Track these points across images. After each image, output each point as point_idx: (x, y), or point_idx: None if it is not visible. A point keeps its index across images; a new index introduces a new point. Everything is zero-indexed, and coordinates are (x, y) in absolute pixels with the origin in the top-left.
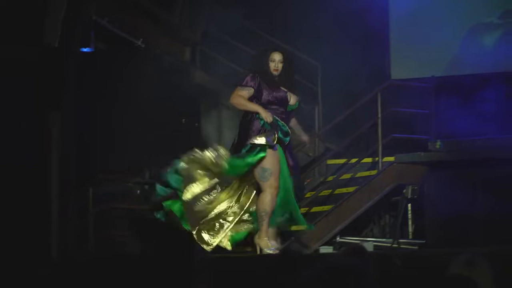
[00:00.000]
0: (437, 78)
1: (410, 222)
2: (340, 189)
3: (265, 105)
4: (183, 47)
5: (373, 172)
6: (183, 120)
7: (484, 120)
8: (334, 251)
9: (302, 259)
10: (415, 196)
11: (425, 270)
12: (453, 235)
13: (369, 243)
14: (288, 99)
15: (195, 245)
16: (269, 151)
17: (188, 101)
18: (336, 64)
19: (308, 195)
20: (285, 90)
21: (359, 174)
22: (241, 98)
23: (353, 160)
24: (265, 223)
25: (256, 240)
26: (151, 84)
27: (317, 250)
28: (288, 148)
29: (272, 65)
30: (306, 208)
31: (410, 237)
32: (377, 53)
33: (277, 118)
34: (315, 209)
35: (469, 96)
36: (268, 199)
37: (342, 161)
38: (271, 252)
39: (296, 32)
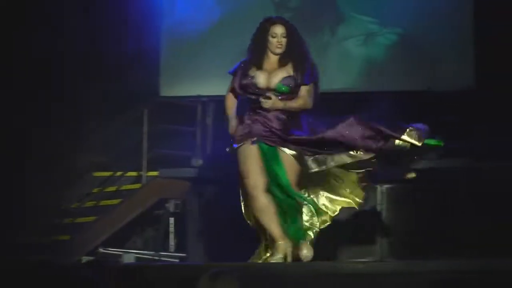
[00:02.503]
0: (203, 97)
1: (172, 236)
2: (105, 201)
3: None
4: None
5: (137, 186)
6: None
7: None
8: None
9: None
10: (178, 211)
11: (180, 282)
12: (213, 249)
13: (131, 255)
14: (261, 82)
15: None
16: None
17: None
18: (107, 78)
19: (73, 205)
20: (253, 75)
21: (124, 187)
22: (228, 98)
23: (119, 173)
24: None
25: None
26: None
27: (80, 260)
28: None
29: (274, 41)
30: (71, 219)
31: (172, 250)
32: (148, 70)
33: None
34: (79, 219)
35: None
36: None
37: (108, 173)
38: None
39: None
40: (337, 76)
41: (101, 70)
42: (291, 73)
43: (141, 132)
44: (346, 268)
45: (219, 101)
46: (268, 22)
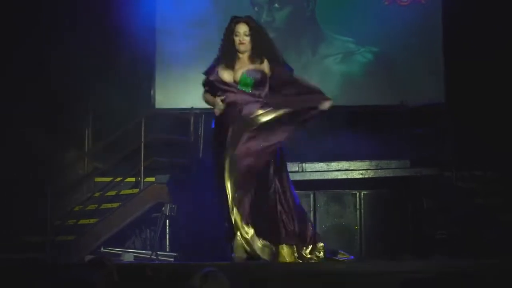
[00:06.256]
0: (195, 109)
1: (167, 237)
2: (106, 204)
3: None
4: None
5: (136, 191)
6: None
7: None
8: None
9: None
10: (173, 214)
11: (175, 280)
12: (204, 250)
13: (130, 254)
14: (226, 77)
15: None
16: None
17: None
18: (108, 92)
19: (76, 208)
20: (217, 71)
21: (123, 192)
22: (206, 96)
23: (118, 179)
24: None
25: None
26: None
27: (83, 258)
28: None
29: (236, 40)
30: (74, 220)
31: (167, 249)
32: (145, 85)
33: None
34: (82, 221)
35: None
36: None
37: (109, 179)
38: None
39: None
40: None
41: (103, 88)
42: (259, 67)
43: (139, 141)
44: (329, 268)
45: (210, 113)
46: (233, 22)
